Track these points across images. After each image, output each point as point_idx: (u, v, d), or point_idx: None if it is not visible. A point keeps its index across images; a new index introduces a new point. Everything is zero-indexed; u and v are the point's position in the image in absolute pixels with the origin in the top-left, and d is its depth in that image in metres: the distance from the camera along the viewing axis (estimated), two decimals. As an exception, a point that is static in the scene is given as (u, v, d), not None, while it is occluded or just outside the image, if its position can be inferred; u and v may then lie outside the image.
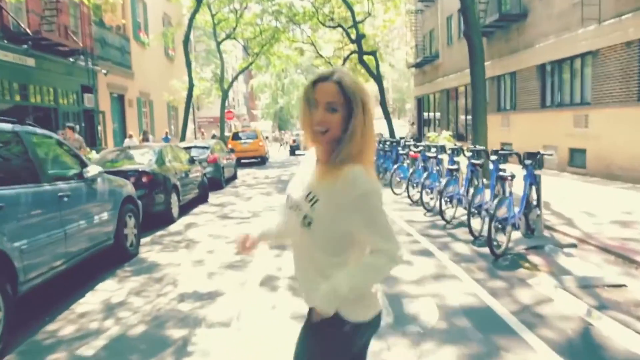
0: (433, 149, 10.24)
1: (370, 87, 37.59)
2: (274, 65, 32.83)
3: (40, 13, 13.94)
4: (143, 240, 7.31)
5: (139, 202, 6.85)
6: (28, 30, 12.80)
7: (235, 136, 23.15)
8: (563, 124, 13.34)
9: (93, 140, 17.75)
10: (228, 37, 28.86)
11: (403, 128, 35.26)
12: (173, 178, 9.08)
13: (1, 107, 13.18)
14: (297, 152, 30.29)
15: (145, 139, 17.74)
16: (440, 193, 7.48)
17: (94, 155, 10.52)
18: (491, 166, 7.26)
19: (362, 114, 1.51)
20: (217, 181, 13.82)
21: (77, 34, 16.62)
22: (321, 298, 1.51)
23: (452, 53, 22.99)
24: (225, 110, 32.89)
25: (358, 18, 21.88)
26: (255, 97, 63.95)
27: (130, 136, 19.64)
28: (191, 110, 35.15)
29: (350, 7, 20.93)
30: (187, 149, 14.08)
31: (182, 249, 6.78)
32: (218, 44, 28.46)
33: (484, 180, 7.45)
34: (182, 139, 20.03)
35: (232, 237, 7.32)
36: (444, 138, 12.82)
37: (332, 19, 23.88)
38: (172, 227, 8.39)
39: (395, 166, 11.05)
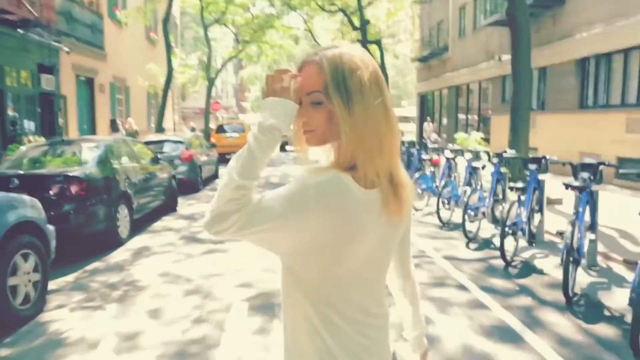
0: (468, 154, 7.96)
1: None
2: (266, 55, 30.45)
3: (-20, -29, 11.37)
4: (62, 281, 4.92)
5: (49, 229, 4.43)
6: (-43, -11, 10.24)
7: (220, 129, 20.65)
8: (610, 128, 11.13)
9: (52, 129, 15.18)
10: (216, 21, 26.43)
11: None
12: (123, 184, 6.66)
13: None
14: (287, 147, 27.87)
15: (115, 130, 15.23)
16: (503, 222, 5.15)
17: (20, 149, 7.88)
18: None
19: (352, 103, 1.00)
20: (193, 183, 11.42)
21: (34, 5, 14.03)
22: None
23: (465, 46, 20.75)
24: (212, 101, 30.45)
25: (363, 3, 19.53)
26: (245, 89, 61.31)
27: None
28: (176, 100, 32.69)
29: (354, -11, 18.57)
30: (158, 143, 11.68)
31: (114, 302, 4.37)
32: (205, 28, 25.99)
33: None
34: (158, 130, 17.53)
35: (196, 279, 4.95)
36: (475, 141, 10.57)
37: (332, 3, 21.47)
38: (116, 255, 5.98)
39: (417, 175, 8.73)
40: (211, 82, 27.05)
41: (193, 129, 22.88)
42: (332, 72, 1.01)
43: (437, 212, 7.27)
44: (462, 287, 4.53)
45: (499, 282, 4.66)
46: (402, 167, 1.10)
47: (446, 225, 7.18)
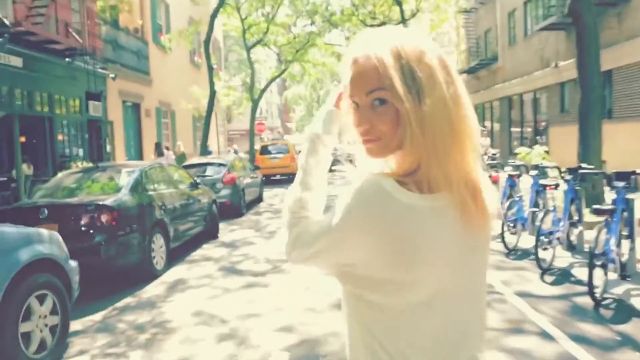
0: (533, 171, 7.12)
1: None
2: (309, 74, 30.41)
3: (29, 4, 11.67)
4: (88, 320, 4.52)
5: (71, 266, 4.03)
6: (6, 21, 10.46)
7: (264, 150, 20.41)
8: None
9: (99, 154, 15.40)
10: (258, 42, 26.59)
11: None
12: (159, 211, 6.29)
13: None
14: (333, 167, 27.36)
15: (160, 153, 15.26)
16: (591, 252, 4.30)
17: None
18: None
19: (422, 95, 0.84)
20: (235, 207, 11.04)
21: (81, 33, 14.37)
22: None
23: (516, 54, 19.66)
24: (256, 122, 30.55)
25: (405, 16, 18.96)
26: (290, 110, 61.75)
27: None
28: (221, 122, 33.09)
29: (398, 1, 18.04)
30: (200, 166, 11.46)
31: (140, 349, 3.89)
32: (248, 50, 26.20)
33: None
34: (203, 152, 17.48)
35: (232, 320, 4.41)
36: (539, 155, 9.60)
37: (374, 18, 21.04)
38: (149, 289, 5.55)
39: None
40: (255, 104, 27.12)
41: (235, 151, 22.72)
42: (396, 61, 0.85)
43: (502, 236, 6.44)
44: (545, 335, 3.73)
45: (591, 329, 3.82)
46: (481, 168, 0.91)
47: (513, 252, 6.32)
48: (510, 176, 7.31)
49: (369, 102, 0.87)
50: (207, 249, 7.62)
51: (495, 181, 8.38)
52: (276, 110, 56.75)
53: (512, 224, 6.65)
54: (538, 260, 5.37)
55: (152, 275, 5.95)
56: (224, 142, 33.64)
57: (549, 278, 5.20)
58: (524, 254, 6.19)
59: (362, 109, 0.88)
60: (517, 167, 7.41)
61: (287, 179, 20.01)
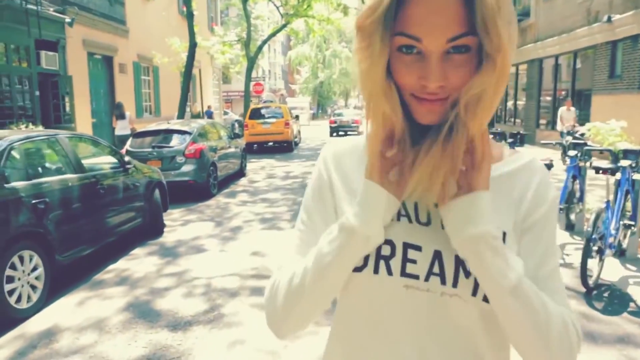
0: (624, 161, 4.63)
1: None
2: (314, 32, 27.43)
3: None
4: None
5: None
6: None
7: (255, 113, 17.72)
8: None
9: (57, 116, 13.01)
10: (257, -8, 23.60)
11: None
12: (28, 215, 3.91)
13: None
14: (335, 134, 24.89)
15: (120, 116, 12.81)
16: None
17: None
18: None
19: (511, 44, 0.67)
20: (202, 186, 8.69)
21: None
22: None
23: (553, 8, 16.67)
24: (253, 82, 27.88)
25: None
26: (294, 71, 58.49)
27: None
28: (217, 82, 30.38)
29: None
30: (157, 134, 9.06)
31: None
32: (244, 1, 23.26)
33: None
34: (180, 116, 14.97)
35: None
36: (616, 134, 6.93)
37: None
38: (-13, 353, 3.25)
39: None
40: (252, 62, 24.36)
41: (197, 115, 19.11)
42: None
43: (583, 266, 4.00)
44: None
45: None
46: None
47: (596, 293, 3.92)
48: (575, 166, 4.78)
49: (443, 50, 0.64)
50: (132, 258, 5.27)
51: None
52: (280, 72, 53.63)
53: (594, 243, 4.21)
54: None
55: (8, 321, 3.63)
56: (220, 104, 31.00)
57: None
58: (617, 300, 3.79)
59: (431, 58, 0.64)
60: (612, 156, 4.76)
61: (280, 147, 17.48)
